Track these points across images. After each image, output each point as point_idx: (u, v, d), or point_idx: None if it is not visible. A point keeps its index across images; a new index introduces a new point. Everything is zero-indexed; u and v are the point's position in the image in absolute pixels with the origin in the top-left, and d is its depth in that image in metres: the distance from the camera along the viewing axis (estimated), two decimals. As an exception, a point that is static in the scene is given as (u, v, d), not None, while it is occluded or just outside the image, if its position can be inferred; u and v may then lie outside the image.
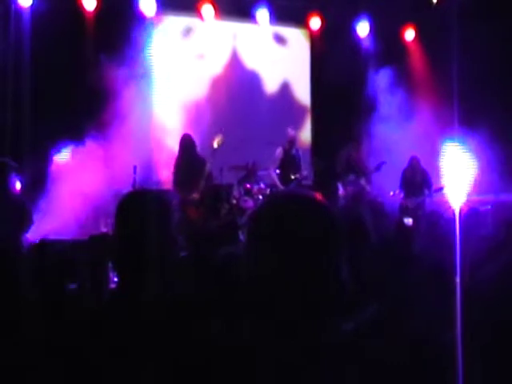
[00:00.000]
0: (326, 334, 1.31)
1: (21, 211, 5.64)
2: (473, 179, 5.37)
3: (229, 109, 9.57)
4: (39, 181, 7.59)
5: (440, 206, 7.21)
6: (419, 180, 9.03)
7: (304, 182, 8.82)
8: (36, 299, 2.86)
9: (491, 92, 9.38)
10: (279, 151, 8.83)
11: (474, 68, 8.53)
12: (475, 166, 5.62)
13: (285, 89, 10.79)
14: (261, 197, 8.39)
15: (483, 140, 6.57)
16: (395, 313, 1.70)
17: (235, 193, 8.43)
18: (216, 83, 10.04)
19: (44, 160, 7.89)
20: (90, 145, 7.99)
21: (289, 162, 8.81)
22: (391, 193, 8.98)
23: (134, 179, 7.59)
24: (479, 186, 6.47)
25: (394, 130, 9.01)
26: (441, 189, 8.19)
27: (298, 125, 9.67)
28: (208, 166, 7.78)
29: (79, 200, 7.45)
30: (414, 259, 2.17)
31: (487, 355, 1.71)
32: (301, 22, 10.77)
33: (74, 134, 8.00)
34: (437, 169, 7.89)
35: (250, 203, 8.28)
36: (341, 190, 8.88)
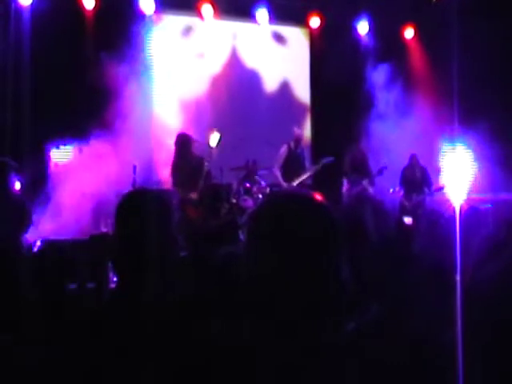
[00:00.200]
0: (326, 334, 1.31)
1: (21, 211, 5.62)
2: (473, 178, 5.37)
3: (229, 108, 9.57)
4: (39, 181, 7.58)
5: (440, 205, 7.21)
6: (419, 178, 9.04)
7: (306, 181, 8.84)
8: (36, 299, 2.85)
9: (491, 90, 9.38)
10: (284, 149, 8.82)
11: (473, 66, 8.54)
12: (475, 165, 5.62)
13: (285, 88, 10.79)
14: (261, 196, 8.39)
15: (483, 138, 6.56)
16: (395, 313, 1.70)
17: (235, 192, 8.42)
18: (216, 82, 10.04)
19: (44, 160, 7.89)
20: (90, 144, 7.99)
21: (293, 161, 8.80)
22: (391, 190, 8.99)
23: (134, 179, 7.59)
24: (480, 185, 6.48)
25: (393, 129, 9.01)
26: (441, 188, 8.19)
27: (297, 124, 9.66)
28: (206, 165, 7.77)
29: (79, 200, 7.45)
30: (414, 259, 2.17)
31: (487, 355, 1.71)
32: (300, 21, 10.77)
33: (74, 134, 7.99)
34: (436, 167, 7.90)
35: (249, 202, 8.28)
36: (345, 186, 8.88)
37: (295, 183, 8.58)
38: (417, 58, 11.17)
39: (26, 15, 8.56)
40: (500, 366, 1.76)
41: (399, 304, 1.76)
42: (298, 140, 8.95)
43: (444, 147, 7.27)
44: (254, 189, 8.54)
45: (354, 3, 10.62)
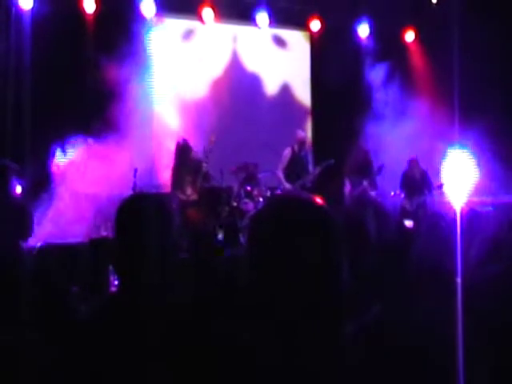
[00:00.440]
0: (326, 335, 1.31)
1: (21, 215, 5.61)
2: (474, 180, 5.36)
3: (230, 111, 9.58)
4: (39, 184, 7.58)
5: (441, 207, 7.20)
6: (419, 182, 9.05)
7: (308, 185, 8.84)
8: (36, 302, 2.86)
9: (491, 92, 9.38)
10: (288, 151, 8.84)
11: (474, 68, 8.53)
12: (476, 167, 5.61)
13: (285, 91, 10.81)
14: (261, 199, 8.39)
15: (483, 140, 6.56)
16: (395, 314, 1.70)
17: (235, 195, 8.42)
18: (217, 86, 10.04)
19: (45, 162, 7.89)
20: (91, 147, 7.99)
21: (296, 164, 8.81)
22: (392, 193, 8.99)
23: (135, 182, 7.59)
24: (480, 187, 6.47)
25: (394, 131, 9.02)
26: (441, 186, 8.19)
27: (298, 126, 9.67)
28: (205, 166, 7.79)
29: (80, 203, 7.45)
30: (415, 261, 2.16)
31: (488, 356, 1.71)
32: (301, 24, 10.79)
33: (75, 137, 8.01)
34: (436, 168, 7.89)
35: (250, 206, 8.28)
36: (348, 187, 8.88)
37: (296, 185, 8.59)
38: (417, 60, 11.18)
39: (27, 19, 8.57)
40: (500, 367, 1.76)
41: (400, 306, 1.76)
42: (302, 143, 8.96)
43: (444, 149, 7.26)
44: (255, 192, 8.54)
45: (354, 6, 10.63)
